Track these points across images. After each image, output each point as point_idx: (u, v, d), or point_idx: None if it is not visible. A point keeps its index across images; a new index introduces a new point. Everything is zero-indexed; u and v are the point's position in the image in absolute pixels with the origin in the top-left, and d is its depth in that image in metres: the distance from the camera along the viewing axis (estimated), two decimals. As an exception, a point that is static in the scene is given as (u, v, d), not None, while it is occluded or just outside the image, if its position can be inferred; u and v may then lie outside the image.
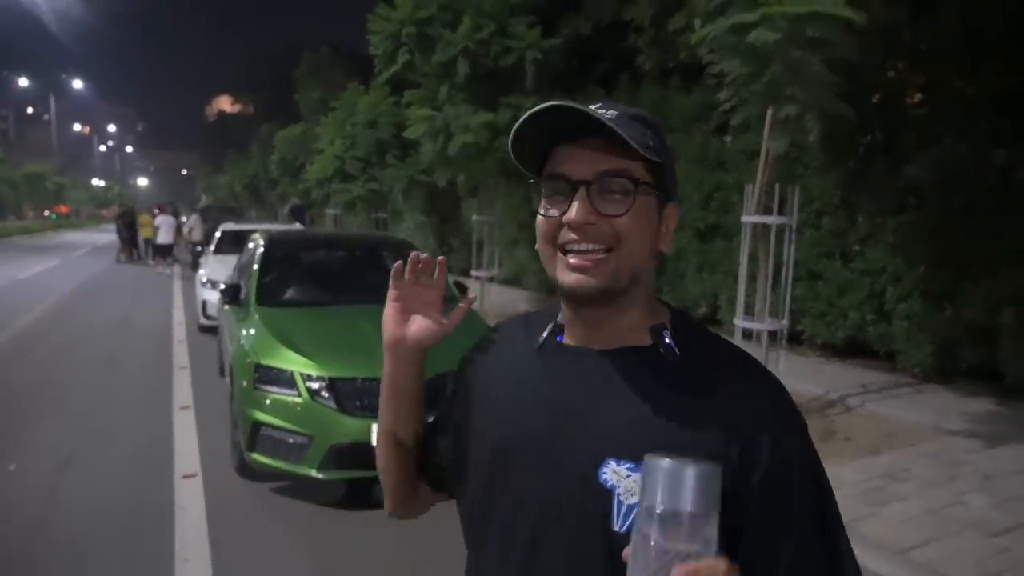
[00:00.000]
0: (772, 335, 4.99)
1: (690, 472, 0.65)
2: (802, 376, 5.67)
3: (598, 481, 0.78)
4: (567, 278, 0.80)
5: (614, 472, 0.78)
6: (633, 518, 0.75)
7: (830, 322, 6.44)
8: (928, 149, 5.55)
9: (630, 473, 0.77)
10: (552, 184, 0.81)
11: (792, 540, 0.77)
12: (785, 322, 4.99)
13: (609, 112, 0.80)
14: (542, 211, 0.82)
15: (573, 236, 0.79)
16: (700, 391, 0.80)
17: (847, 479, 3.81)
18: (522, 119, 0.78)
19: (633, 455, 0.77)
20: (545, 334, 0.90)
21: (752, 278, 5.07)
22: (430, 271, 0.94)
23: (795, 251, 5.04)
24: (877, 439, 4.51)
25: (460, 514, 0.97)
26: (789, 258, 4.93)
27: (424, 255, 0.94)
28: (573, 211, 0.78)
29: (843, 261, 6.29)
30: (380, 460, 1.03)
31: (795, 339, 6.57)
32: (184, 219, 16.81)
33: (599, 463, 0.78)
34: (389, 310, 0.94)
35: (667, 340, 0.83)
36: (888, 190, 5.80)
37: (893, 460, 4.15)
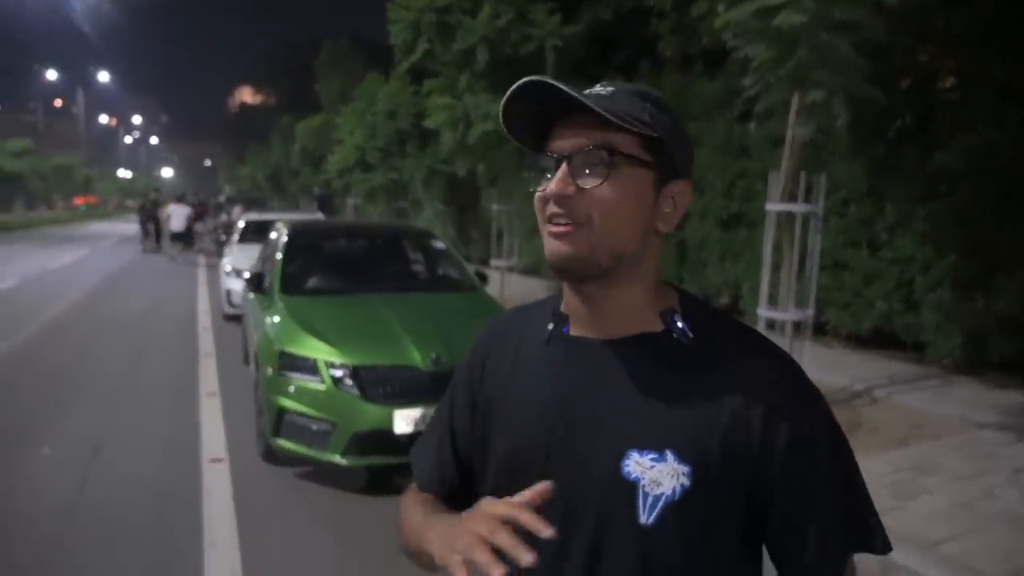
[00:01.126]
0: (796, 325, 4.93)
1: None
2: (827, 367, 5.59)
3: (621, 474, 0.77)
4: (547, 247, 0.79)
5: (637, 464, 0.77)
6: (660, 508, 0.75)
7: (855, 312, 6.34)
8: (961, 135, 5.41)
9: (654, 464, 0.76)
10: (544, 160, 0.80)
11: (819, 512, 0.78)
12: (811, 312, 4.92)
13: (607, 89, 0.79)
14: (537, 187, 0.82)
15: (554, 209, 0.78)
16: (716, 373, 0.79)
17: (873, 471, 3.75)
18: (504, 98, 0.78)
19: (655, 445, 0.77)
20: (551, 327, 0.87)
21: (776, 267, 5.00)
22: None
23: (821, 240, 4.96)
24: (904, 431, 4.44)
25: None
26: (815, 247, 4.85)
27: None
28: (552, 183, 0.77)
29: (870, 250, 6.18)
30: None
31: (819, 329, 6.48)
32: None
33: (621, 456, 0.78)
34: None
35: (679, 324, 0.81)
36: (918, 177, 5.67)
37: (921, 452, 4.09)
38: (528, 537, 0.82)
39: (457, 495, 1.00)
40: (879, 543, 0.80)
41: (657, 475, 0.76)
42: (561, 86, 0.75)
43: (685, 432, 0.77)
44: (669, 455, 0.76)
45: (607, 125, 0.75)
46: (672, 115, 0.82)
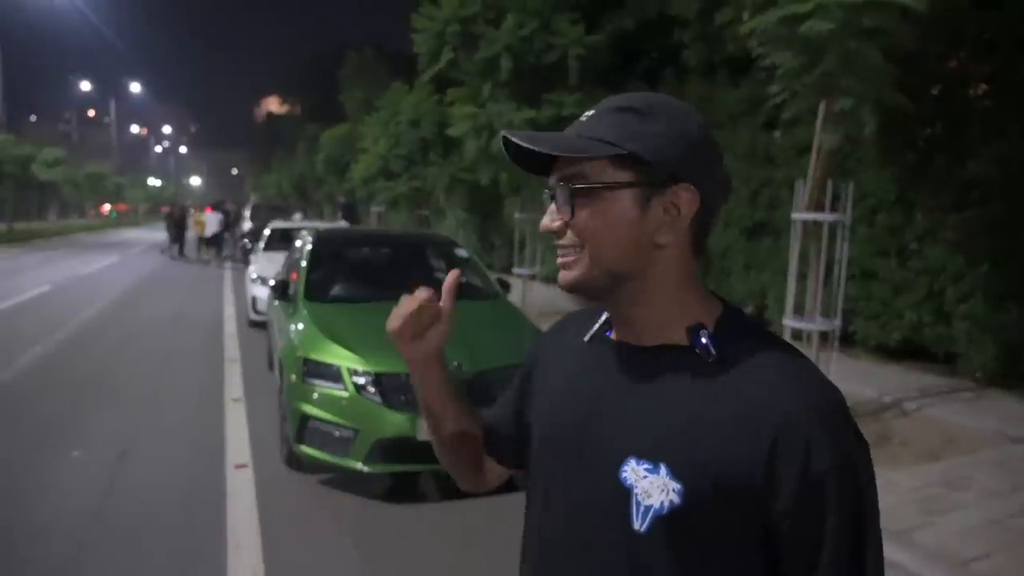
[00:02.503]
0: (823, 336, 4.85)
1: None
2: (854, 378, 5.49)
3: (619, 479, 0.78)
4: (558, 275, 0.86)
5: (633, 471, 0.77)
6: (650, 519, 0.76)
7: (884, 323, 6.23)
8: (992, 143, 5.31)
9: (647, 474, 0.76)
10: (545, 195, 0.86)
11: (825, 563, 0.72)
12: (838, 322, 4.84)
13: (589, 113, 0.82)
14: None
15: (555, 241, 0.84)
16: (732, 396, 0.75)
17: (902, 486, 3.67)
18: (505, 151, 0.85)
19: (652, 456, 0.76)
20: (595, 327, 0.90)
21: (802, 276, 4.93)
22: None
23: (848, 249, 4.89)
24: (935, 445, 4.34)
25: None
26: (842, 256, 4.77)
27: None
28: (544, 218, 0.84)
29: (899, 260, 6.07)
30: (438, 454, 1.07)
31: (846, 340, 6.38)
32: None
33: (621, 461, 0.78)
34: (403, 315, 0.97)
35: (703, 340, 0.79)
36: (949, 185, 5.56)
37: (952, 467, 3.99)
38: (539, 522, 0.89)
39: (503, 448, 1.05)
40: None
41: (648, 486, 0.76)
42: (513, 137, 0.80)
43: (683, 449, 0.75)
44: (663, 468, 0.75)
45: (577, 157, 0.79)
46: (663, 117, 0.78)
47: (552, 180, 0.83)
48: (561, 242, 0.82)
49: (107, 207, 52.69)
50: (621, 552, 0.78)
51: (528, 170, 0.87)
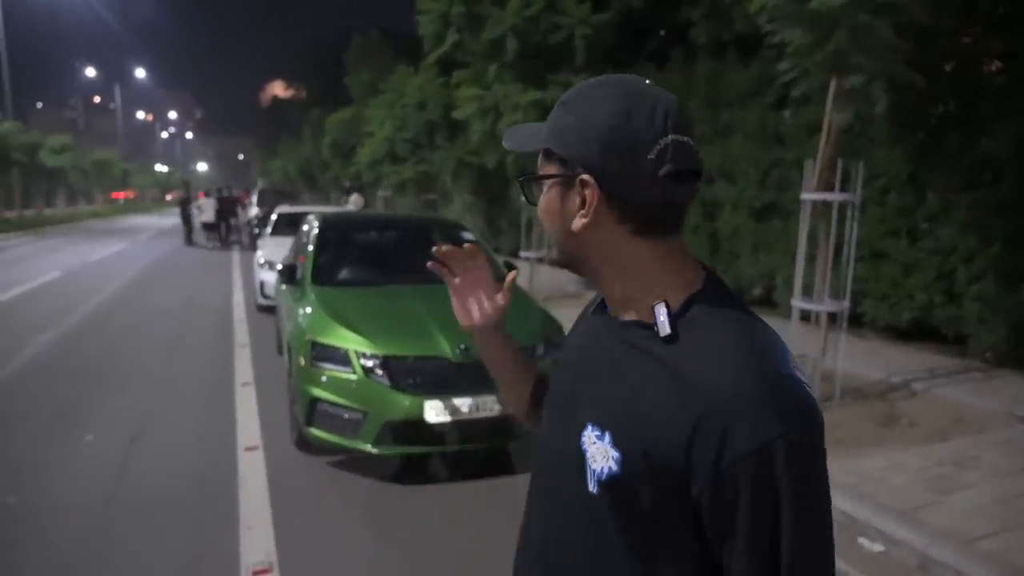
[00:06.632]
0: (832, 317, 4.83)
1: None
2: (863, 359, 5.47)
3: (579, 442, 0.84)
4: None
5: (588, 437, 0.82)
6: (596, 482, 0.81)
7: (894, 304, 6.19)
8: (1006, 121, 5.23)
9: (596, 440, 0.81)
10: None
11: (740, 555, 0.72)
12: (847, 303, 4.81)
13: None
14: None
15: None
16: (671, 375, 0.76)
17: (910, 466, 3.67)
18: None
19: (602, 424, 0.81)
20: (598, 301, 0.96)
21: (811, 258, 4.90)
22: (468, 258, 1.11)
23: (858, 229, 4.85)
24: (944, 425, 4.33)
25: None
26: (852, 237, 4.74)
27: (448, 248, 1.10)
28: None
29: (910, 240, 6.02)
30: (503, 392, 1.19)
31: (855, 321, 6.35)
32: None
33: (584, 426, 0.84)
34: (454, 303, 1.11)
35: (660, 318, 0.80)
36: (961, 165, 5.50)
37: (961, 447, 3.98)
38: (531, 486, 0.97)
39: None
40: None
41: (596, 452, 0.81)
42: (511, 143, 0.94)
43: (624, 419, 0.79)
44: (607, 436, 0.80)
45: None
46: (579, 109, 0.81)
47: None
48: None
49: (120, 194, 53.53)
50: (578, 511, 0.84)
51: None
